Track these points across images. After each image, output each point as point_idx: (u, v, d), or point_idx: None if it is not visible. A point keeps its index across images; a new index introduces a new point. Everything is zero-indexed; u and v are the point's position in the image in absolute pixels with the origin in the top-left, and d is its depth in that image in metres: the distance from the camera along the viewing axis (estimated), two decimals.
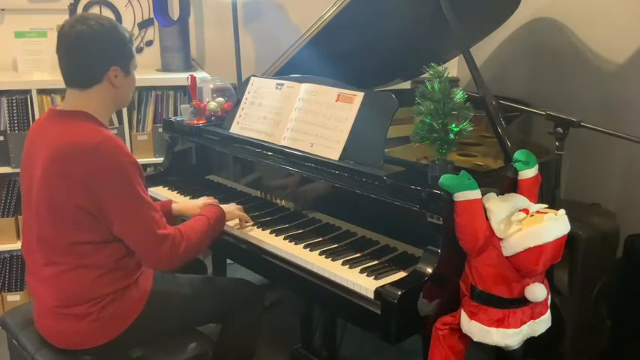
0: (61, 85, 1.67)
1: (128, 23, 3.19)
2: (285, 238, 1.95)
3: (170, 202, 2.13)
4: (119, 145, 1.65)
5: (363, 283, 1.64)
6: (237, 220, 2.05)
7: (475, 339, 1.64)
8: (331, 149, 1.96)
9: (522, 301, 1.63)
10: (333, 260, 1.78)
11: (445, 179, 1.62)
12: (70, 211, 1.62)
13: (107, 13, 3.14)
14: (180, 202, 2.17)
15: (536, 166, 1.79)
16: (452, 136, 1.69)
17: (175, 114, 2.96)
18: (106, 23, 1.70)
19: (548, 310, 1.71)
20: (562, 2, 2.83)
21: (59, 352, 1.73)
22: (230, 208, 2.02)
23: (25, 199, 1.79)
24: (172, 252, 1.69)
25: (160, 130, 2.85)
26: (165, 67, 3.17)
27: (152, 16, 3.19)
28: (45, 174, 1.65)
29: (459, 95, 1.68)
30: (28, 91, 2.74)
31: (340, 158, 1.93)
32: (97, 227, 1.65)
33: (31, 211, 1.72)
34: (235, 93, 2.57)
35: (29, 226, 1.76)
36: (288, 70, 2.36)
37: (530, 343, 1.71)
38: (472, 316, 1.63)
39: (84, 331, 1.69)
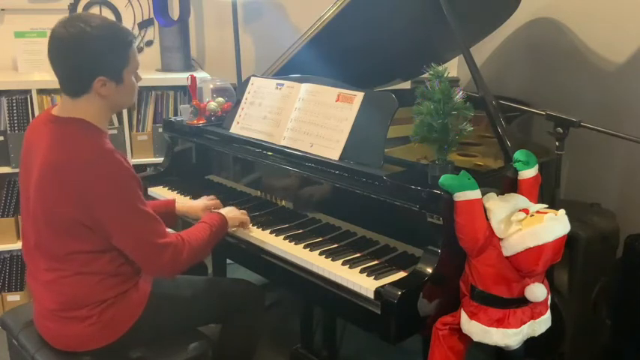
0: None
1: (128, 23, 3.19)
2: (285, 238, 1.94)
3: (173, 201, 2.12)
4: (118, 159, 1.59)
5: (363, 283, 1.64)
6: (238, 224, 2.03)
7: (475, 339, 1.64)
8: (331, 149, 1.95)
9: (522, 301, 1.63)
10: (333, 260, 1.78)
11: (445, 179, 1.62)
12: (65, 222, 1.59)
13: (107, 13, 3.14)
14: (182, 203, 2.17)
15: (536, 166, 1.79)
16: (452, 136, 1.70)
17: (175, 114, 2.95)
18: (96, 26, 1.55)
19: (548, 310, 1.71)
20: (562, 2, 2.83)
21: (59, 353, 1.73)
22: (232, 214, 1.98)
23: (23, 204, 1.76)
24: (174, 260, 1.67)
25: (160, 130, 2.85)
26: (166, 67, 3.17)
27: (152, 16, 3.19)
28: (40, 184, 1.61)
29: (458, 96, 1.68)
30: (28, 91, 2.74)
31: (340, 158, 1.93)
32: (93, 238, 1.62)
33: (29, 217, 1.70)
34: (235, 93, 2.57)
35: (27, 232, 1.74)
36: (288, 70, 2.36)
37: (530, 343, 1.70)
38: (472, 316, 1.63)
39: (84, 333, 1.68)
